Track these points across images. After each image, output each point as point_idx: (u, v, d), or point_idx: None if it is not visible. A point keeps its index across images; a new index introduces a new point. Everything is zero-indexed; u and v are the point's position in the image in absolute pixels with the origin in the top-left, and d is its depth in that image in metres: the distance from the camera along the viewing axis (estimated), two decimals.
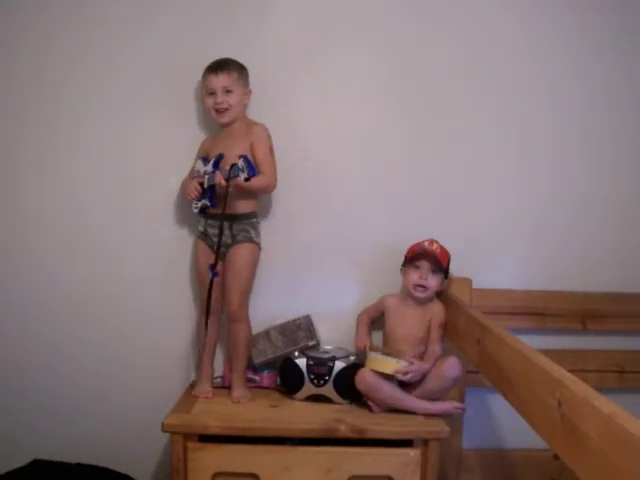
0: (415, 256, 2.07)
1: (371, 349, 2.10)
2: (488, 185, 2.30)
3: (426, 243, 2.08)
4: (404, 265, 2.12)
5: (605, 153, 2.32)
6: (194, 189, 2.05)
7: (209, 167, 2.03)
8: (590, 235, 2.32)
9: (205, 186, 2.04)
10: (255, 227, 2.10)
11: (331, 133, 2.25)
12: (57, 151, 2.21)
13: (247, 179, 1.94)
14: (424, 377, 1.97)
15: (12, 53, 2.18)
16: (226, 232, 2.06)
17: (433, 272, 2.06)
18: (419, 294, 2.07)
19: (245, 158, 1.95)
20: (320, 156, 2.24)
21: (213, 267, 2.03)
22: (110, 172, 2.23)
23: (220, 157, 2.02)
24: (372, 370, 1.95)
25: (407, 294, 2.13)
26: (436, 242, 2.09)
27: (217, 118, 2.08)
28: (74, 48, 2.18)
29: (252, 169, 1.95)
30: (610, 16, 2.27)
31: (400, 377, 1.93)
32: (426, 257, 2.05)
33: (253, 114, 2.15)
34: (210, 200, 2.05)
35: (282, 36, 2.21)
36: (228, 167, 1.96)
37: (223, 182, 1.95)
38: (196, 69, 2.09)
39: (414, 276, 2.07)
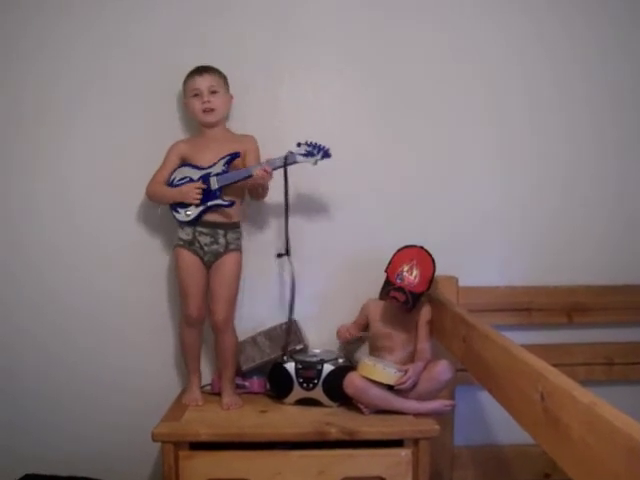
0: (392, 283, 2.00)
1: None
2: (471, 183, 2.32)
3: (406, 269, 1.99)
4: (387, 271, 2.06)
5: (586, 151, 2.35)
6: (196, 192, 2.00)
7: (217, 168, 2.01)
8: (573, 231, 2.35)
9: (214, 187, 2.00)
10: (242, 235, 2.12)
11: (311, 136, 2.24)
12: (46, 153, 2.22)
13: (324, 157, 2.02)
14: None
15: (1, 56, 2.20)
16: (221, 241, 2.05)
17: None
18: (396, 304, 2.03)
19: (309, 143, 2.01)
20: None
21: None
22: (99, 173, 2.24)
23: (235, 156, 2.02)
24: (366, 377, 1.93)
25: None
26: (416, 268, 1.99)
27: (203, 118, 2.06)
28: (63, 50, 2.20)
29: (323, 151, 2.01)
30: (592, 16, 2.32)
31: (399, 387, 1.91)
32: (401, 290, 1.98)
33: (237, 122, 2.17)
34: (222, 199, 2.01)
35: (264, 43, 2.24)
36: (284, 155, 2.00)
37: (270, 171, 1.98)
38: (180, 76, 2.09)
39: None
